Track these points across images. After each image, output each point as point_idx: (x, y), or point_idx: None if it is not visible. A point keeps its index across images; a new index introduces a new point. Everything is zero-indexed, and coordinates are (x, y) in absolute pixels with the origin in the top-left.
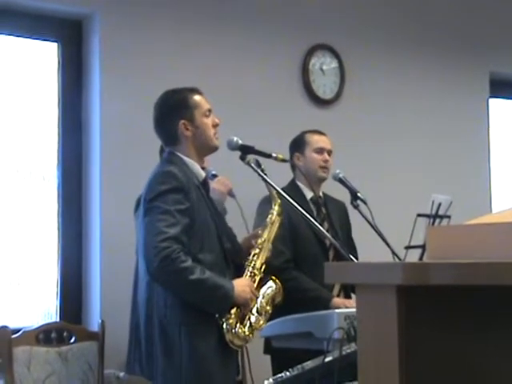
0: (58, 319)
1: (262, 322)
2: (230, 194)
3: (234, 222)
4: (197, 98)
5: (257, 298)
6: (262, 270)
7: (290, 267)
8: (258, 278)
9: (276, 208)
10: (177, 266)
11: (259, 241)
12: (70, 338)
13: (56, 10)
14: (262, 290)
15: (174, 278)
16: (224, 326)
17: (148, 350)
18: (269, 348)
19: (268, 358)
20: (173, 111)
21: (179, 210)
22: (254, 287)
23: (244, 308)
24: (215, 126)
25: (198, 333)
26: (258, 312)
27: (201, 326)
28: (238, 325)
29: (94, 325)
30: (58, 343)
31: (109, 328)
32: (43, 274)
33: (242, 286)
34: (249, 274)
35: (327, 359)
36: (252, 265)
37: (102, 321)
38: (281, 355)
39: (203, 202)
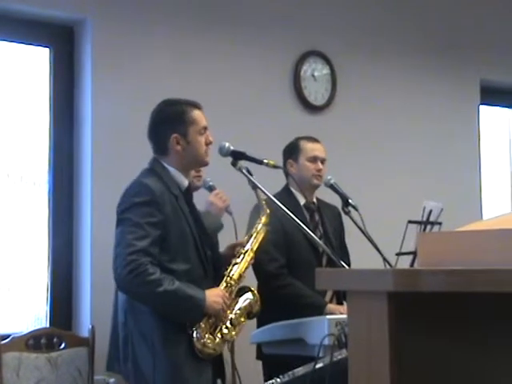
0: (47, 325)
1: (233, 333)
2: (227, 210)
3: (228, 237)
4: (195, 113)
5: (232, 308)
6: (240, 280)
7: (284, 273)
8: (234, 289)
9: (263, 219)
10: (144, 278)
11: (242, 250)
12: (60, 344)
13: (48, 15)
14: (240, 301)
15: (141, 290)
16: (194, 334)
17: (124, 354)
18: (261, 354)
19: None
20: (167, 123)
21: (150, 222)
22: (227, 297)
23: (215, 318)
24: (208, 144)
25: (170, 338)
26: (231, 323)
27: (174, 333)
28: (207, 335)
29: (84, 330)
30: (48, 349)
31: (99, 334)
32: (33, 280)
33: (213, 296)
34: (225, 284)
35: (318, 365)
36: (230, 274)
37: (92, 326)
38: (272, 361)
39: (180, 212)
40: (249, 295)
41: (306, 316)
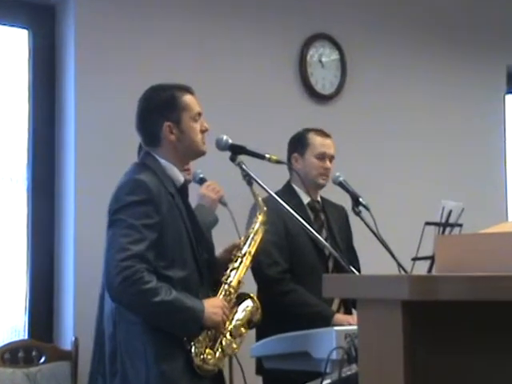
0: (26, 336)
1: (235, 346)
2: (221, 201)
3: (226, 231)
4: (187, 98)
5: (232, 319)
6: (239, 287)
7: (286, 278)
8: (233, 297)
9: (260, 217)
10: (139, 287)
11: (239, 253)
12: (40, 358)
13: None
14: (239, 310)
15: (135, 300)
16: (193, 350)
17: (111, 369)
18: (261, 369)
19: (260, 379)
20: (158, 111)
21: (146, 224)
22: (227, 308)
23: (215, 331)
24: (204, 131)
25: (165, 352)
26: (231, 335)
27: (170, 347)
28: (206, 350)
29: (67, 343)
30: (26, 363)
31: (83, 346)
32: (10, 287)
33: (213, 307)
34: (224, 292)
35: (325, 382)
36: (228, 281)
37: (76, 338)
38: (274, 377)
39: (177, 212)
40: (248, 303)
41: (311, 327)
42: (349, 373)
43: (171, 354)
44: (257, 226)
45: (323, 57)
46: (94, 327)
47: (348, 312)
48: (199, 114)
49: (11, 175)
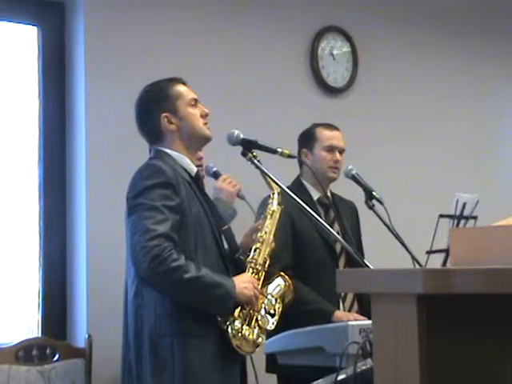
0: (39, 334)
1: (272, 323)
2: (239, 195)
3: (244, 224)
4: (178, 87)
5: (264, 295)
6: (266, 265)
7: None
8: (262, 275)
9: (275, 197)
10: (169, 265)
11: (259, 234)
12: (54, 356)
13: None
14: (270, 288)
15: (166, 278)
16: (229, 330)
17: (138, 368)
18: (273, 365)
19: (272, 377)
20: (152, 105)
21: (168, 206)
22: (257, 283)
23: (249, 307)
24: (204, 116)
25: (193, 345)
26: (266, 311)
27: (197, 337)
28: (244, 327)
29: (80, 340)
30: (40, 361)
31: (97, 344)
32: (23, 285)
33: (243, 282)
34: (251, 270)
35: (340, 377)
36: (254, 261)
37: (89, 336)
38: (288, 373)
39: (195, 198)
40: (279, 280)
41: (311, 324)
42: (364, 368)
43: (201, 344)
44: (274, 206)
45: (334, 49)
46: (122, 334)
47: (362, 309)
48: (195, 100)
49: (23, 173)
